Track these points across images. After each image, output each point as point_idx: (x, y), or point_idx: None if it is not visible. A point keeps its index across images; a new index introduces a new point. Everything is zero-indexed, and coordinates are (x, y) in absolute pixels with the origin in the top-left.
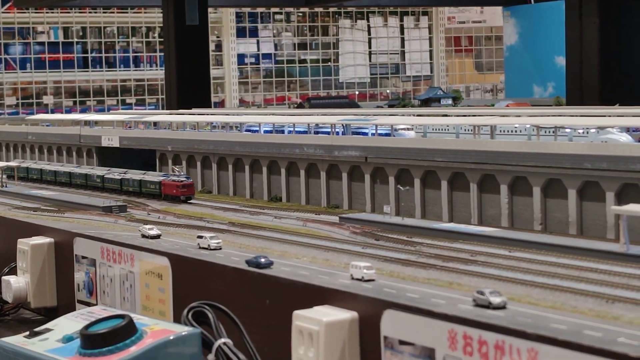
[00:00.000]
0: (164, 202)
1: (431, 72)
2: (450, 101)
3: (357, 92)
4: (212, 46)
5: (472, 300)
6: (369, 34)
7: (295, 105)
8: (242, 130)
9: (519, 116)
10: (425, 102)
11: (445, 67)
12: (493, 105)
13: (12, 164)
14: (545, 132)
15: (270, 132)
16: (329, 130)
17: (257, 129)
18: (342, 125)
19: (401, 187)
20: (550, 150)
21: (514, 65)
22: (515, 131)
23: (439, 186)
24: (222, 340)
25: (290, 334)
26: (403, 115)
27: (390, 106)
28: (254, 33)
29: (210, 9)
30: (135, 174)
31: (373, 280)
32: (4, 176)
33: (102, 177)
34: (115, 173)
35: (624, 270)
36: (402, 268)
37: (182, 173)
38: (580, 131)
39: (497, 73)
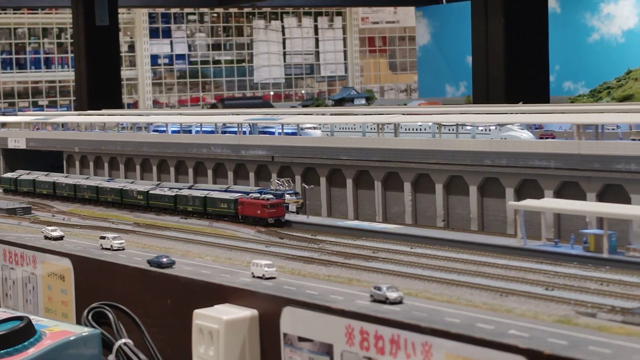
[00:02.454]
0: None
1: (346, 72)
2: (363, 101)
3: (272, 93)
4: (124, 47)
5: (369, 296)
6: (283, 34)
7: (209, 106)
8: (149, 130)
9: (424, 114)
10: (339, 102)
11: (360, 68)
12: (406, 104)
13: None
14: (449, 130)
15: (178, 132)
16: (236, 129)
17: (165, 129)
18: (249, 124)
19: (306, 186)
20: (451, 148)
21: (426, 65)
22: (420, 129)
23: (344, 184)
24: (123, 340)
25: (191, 333)
26: (308, 114)
27: (304, 106)
28: (167, 34)
29: (122, 10)
30: (198, 189)
31: (274, 278)
32: None
33: (145, 192)
34: (166, 188)
35: (519, 264)
36: (304, 265)
37: (286, 187)
38: (481, 129)
39: (411, 73)
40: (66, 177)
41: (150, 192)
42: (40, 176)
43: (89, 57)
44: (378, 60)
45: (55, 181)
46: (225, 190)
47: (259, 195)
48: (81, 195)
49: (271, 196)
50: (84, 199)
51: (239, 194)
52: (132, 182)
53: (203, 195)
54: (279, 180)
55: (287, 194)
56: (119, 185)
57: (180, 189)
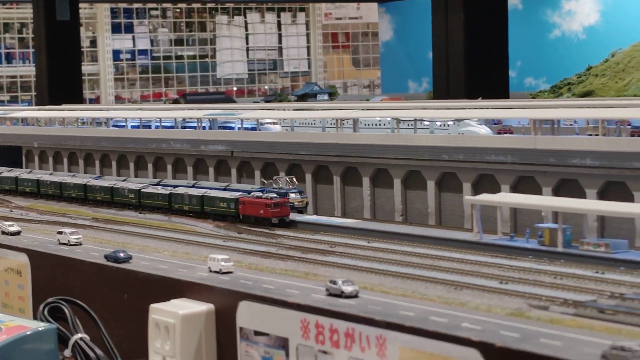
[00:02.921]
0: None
1: (309, 68)
2: (326, 97)
3: (235, 88)
4: (86, 42)
5: (325, 290)
6: (247, 30)
7: (172, 102)
8: (109, 125)
9: (382, 110)
10: (302, 98)
11: (323, 63)
12: (368, 100)
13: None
14: (408, 125)
15: (138, 127)
16: (196, 125)
17: (124, 124)
18: (209, 119)
19: (265, 181)
20: (409, 143)
21: (389, 61)
22: (379, 125)
23: (303, 179)
24: (79, 335)
25: (147, 327)
26: (268, 110)
27: (267, 102)
28: (129, 29)
29: (84, 5)
30: (196, 187)
31: (231, 272)
32: None
33: (137, 191)
34: (160, 187)
35: (475, 258)
36: (261, 260)
37: (288, 186)
38: (439, 124)
39: (374, 69)
40: (51, 174)
41: (142, 190)
42: (23, 174)
43: (49, 52)
44: (341, 56)
45: (39, 179)
46: (225, 189)
47: (261, 194)
48: (67, 194)
49: (275, 195)
50: (70, 198)
51: (240, 193)
52: (123, 180)
53: (201, 194)
54: (280, 178)
55: (292, 192)
56: (109, 183)
57: (175, 187)
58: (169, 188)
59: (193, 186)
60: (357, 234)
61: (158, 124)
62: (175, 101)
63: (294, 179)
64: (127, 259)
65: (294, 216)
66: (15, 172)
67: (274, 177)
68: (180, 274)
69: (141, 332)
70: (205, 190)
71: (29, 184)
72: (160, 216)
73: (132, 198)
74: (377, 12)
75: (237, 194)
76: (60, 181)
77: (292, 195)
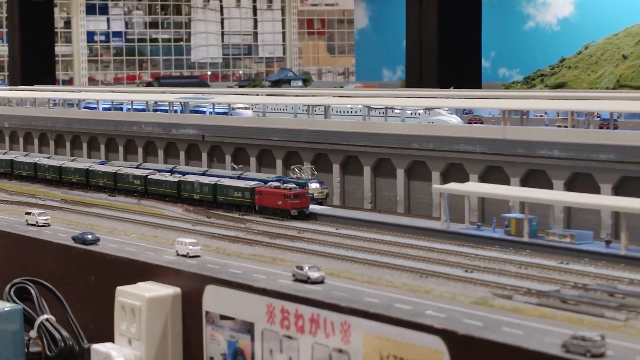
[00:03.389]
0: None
1: (284, 54)
2: (300, 83)
3: (209, 73)
4: (60, 23)
5: (292, 275)
6: (222, 14)
7: (145, 85)
8: (80, 107)
9: (354, 97)
10: (276, 84)
11: (298, 49)
12: (342, 87)
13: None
14: (379, 113)
15: (109, 109)
16: (168, 108)
17: (96, 106)
18: (181, 103)
19: (235, 166)
20: (380, 131)
21: (364, 49)
22: (350, 112)
23: (274, 165)
24: (45, 316)
25: (114, 310)
26: (239, 94)
27: (241, 87)
28: (104, 10)
29: None
30: (208, 175)
31: (198, 256)
32: None
33: (143, 178)
34: (168, 174)
35: (442, 246)
36: (229, 244)
37: (307, 176)
38: (409, 112)
39: (349, 56)
40: (49, 158)
41: (149, 177)
42: (19, 156)
43: (23, 32)
44: (317, 42)
45: (37, 162)
46: (239, 178)
47: (279, 184)
48: (68, 179)
49: (293, 185)
50: (71, 183)
51: (256, 182)
52: (130, 166)
53: (213, 183)
54: (298, 168)
55: (312, 183)
56: (113, 169)
57: (184, 174)
58: (178, 175)
59: (204, 174)
60: (325, 221)
61: (130, 106)
62: (149, 84)
63: (313, 168)
64: (95, 241)
65: None
66: (10, 155)
67: (293, 167)
68: (148, 257)
69: (107, 314)
70: (217, 178)
71: (26, 167)
72: (130, 199)
73: (137, 184)
74: (353, 0)
75: (252, 183)
76: (60, 165)
77: (312, 186)
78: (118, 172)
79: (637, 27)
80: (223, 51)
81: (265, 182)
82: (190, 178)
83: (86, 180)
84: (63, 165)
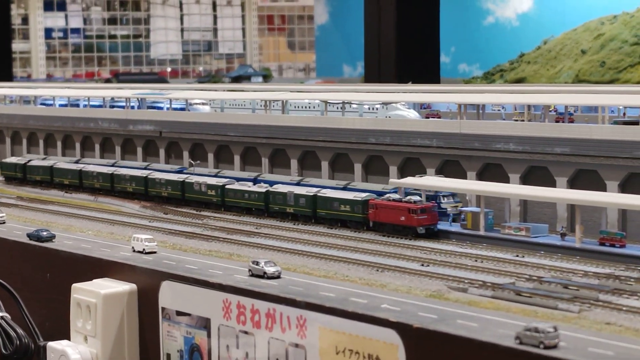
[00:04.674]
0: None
1: (244, 50)
2: (260, 79)
3: (169, 69)
4: (18, 20)
5: (248, 270)
6: (181, 10)
7: (104, 81)
8: (37, 103)
9: (311, 92)
10: (236, 80)
11: (259, 46)
12: (302, 83)
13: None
14: (337, 108)
15: (66, 105)
16: (124, 104)
17: (52, 102)
18: (138, 99)
19: (192, 162)
20: (337, 125)
21: (324, 45)
22: (308, 107)
23: (232, 160)
24: (0, 314)
25: (70, 307)
26: (197, 90)
27: (201, 83)
28: (62, 7)
29: None
30: (304, 185)
31: (154, 252)
32: None
33: (221, 187)
34: (251, 183)
35: (398, 241)
36: (186, 240)
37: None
38: (367, 107)
39: (310, 52)
40: (96, 164)
41: (226, 186)
42: (60, 162)
43: None
44: (277, 38)
45: (82, 169)
46: (345, 188)
47: (398, 196)
48: (121, 188)
49: (418, 198)
50: (125, 192)
51: (366, 194)
52: (195, 174)
53: (312, 194)
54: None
55: (443, 196)
56: (179, 177)
57: (272, 183)
58: (265, 185)
59: (298, 183)
60: (282, 216)
61: (86, 102)
62: (108, 81)
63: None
64: (50, 237)
65: None
66: (50, 161)
67: (420, 175)
68: (103, 254)
69: (63, 312)
70: (317, 189)
71: (70, 175)
72: (87, 196)
73: (212, 195)
74: None
75: (363, 195)
76: (112, 172)
77: (444, 201)
78: (187, 180)
79: (596, 22)
80: (183, 47)
81: (380, 193)
82: (281, 188)
83: (145, 190)
84: (115, 173)
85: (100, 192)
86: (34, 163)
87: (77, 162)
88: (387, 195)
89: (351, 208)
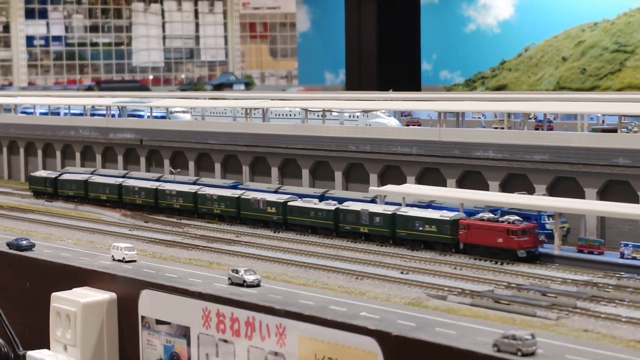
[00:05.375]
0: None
1: (226, 57)
2: (242, 86)
3: (151, 77)
4: None
5: (228, 279)
6: (163, 18)
7: (85, 89)
8: (17, 112)
9: (292, 100)
10: (218, 88)
11: (241, 53)
12: (284, 90)
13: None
14: (318, 115)
15: (46, 114)
16: (105, 112)
17: (33, 110)
18: (118, 107)
19: (172, 170)
20: (318, 133)
21: (306, 52)
22: (289, 115)
23: (212, 168)
24: None
25: (49, 316)
26: (178, 98)
27: (183, 91)
28: (43, 14)
29: None
30: (380, 204)
31: (134, 261)
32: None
33: (282, 204)
34: (316, 200)
35: (378, 248)
36: (166, 249)
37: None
38: (347, 115)
39: (292, 60)
40: (138, 178)
41: (289, 203)
42: (96, 176)
43: None
44: (259, 46)
45: (122, 183)
46: (428, 206)
47: (493, 215)
48: (167, 205)
49: (517, 218)
50: (171, 209)
51: (454, 213)
52: (251, 189)
53: (390, 212)
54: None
55: (547, 216)
56: (234, 193)
57: (340, 200)
58: (332, 202)
59: (371, 201)
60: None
61: (67, 111)
62: (89, 89)
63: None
64: (30, 246)
65: None
66: (85, 175)
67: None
68: (83, 263)
69: (43, 321)
70: (395, 207)
71: (109, 190)
72: (67, 205)
73: (272, 213)
74: (295, 3)
75: (451, 215)
76: (156, 187)
77: (549, 221)
78: (243, 196)
79: (576, 30)
80: (165, 55)
81: (471, 213)
82: (352, 206)
83: (194, 207)
84: (160, 188)
85: (143, 208)
86: (67, 177)
87: (122, 176)
88: (480, 214)
89: (439, 229)
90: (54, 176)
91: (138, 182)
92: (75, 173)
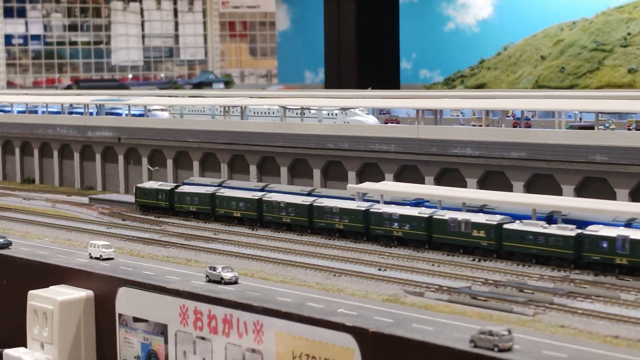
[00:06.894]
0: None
1: (206, 56)
2: (222, 85)
3: (130, 76)
4: None
5: (205, 276)
6: (142, 16)
7: (64, 88)
8: None
9: (270, 97)
10: (197, 86)
11: (220, 52)
12: (264, 89)
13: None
14: (296, 113)
15: (24, 112)
16: (83, 110)
17: (10, 109)
18: (96, 105)
19: (151, 168)
20: (296, 131)
21: (286, 51)
22: (267, 113)
23: (191, 166)
24: None
25: (26, 314)
26: (156, 96)
27: (162, 89)
28: (22, 13)
29: None
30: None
31: (111, 259)
32: None
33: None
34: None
35: (355, 245)
36: (144, 247)
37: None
38: (325, 112)
39: (271, 58)
40: (280, 192)
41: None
42: (224, 189)
43: None
44: (239, 44)
45: (262, 198)
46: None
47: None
48: (326, 224)
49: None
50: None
51: (501, 216)
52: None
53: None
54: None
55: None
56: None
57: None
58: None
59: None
60: (242, 222)
61: (45, 109)
62: (68, 87)
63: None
64: (7, 244)
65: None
66: (209, 187)
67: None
68: (60, 260)
69: (19, 319)
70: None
71: (243, 204)
72: (45, 203)
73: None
74: (275, 2)
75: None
76: (317, 204)
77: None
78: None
79: (555, 28)
80: (144, 54)
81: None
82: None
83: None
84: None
85: (292, 228)
86: (185, 189)
87: (261, 189)
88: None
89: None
90: (169, 188)
91: (283, 197)
92: (199, 184)
